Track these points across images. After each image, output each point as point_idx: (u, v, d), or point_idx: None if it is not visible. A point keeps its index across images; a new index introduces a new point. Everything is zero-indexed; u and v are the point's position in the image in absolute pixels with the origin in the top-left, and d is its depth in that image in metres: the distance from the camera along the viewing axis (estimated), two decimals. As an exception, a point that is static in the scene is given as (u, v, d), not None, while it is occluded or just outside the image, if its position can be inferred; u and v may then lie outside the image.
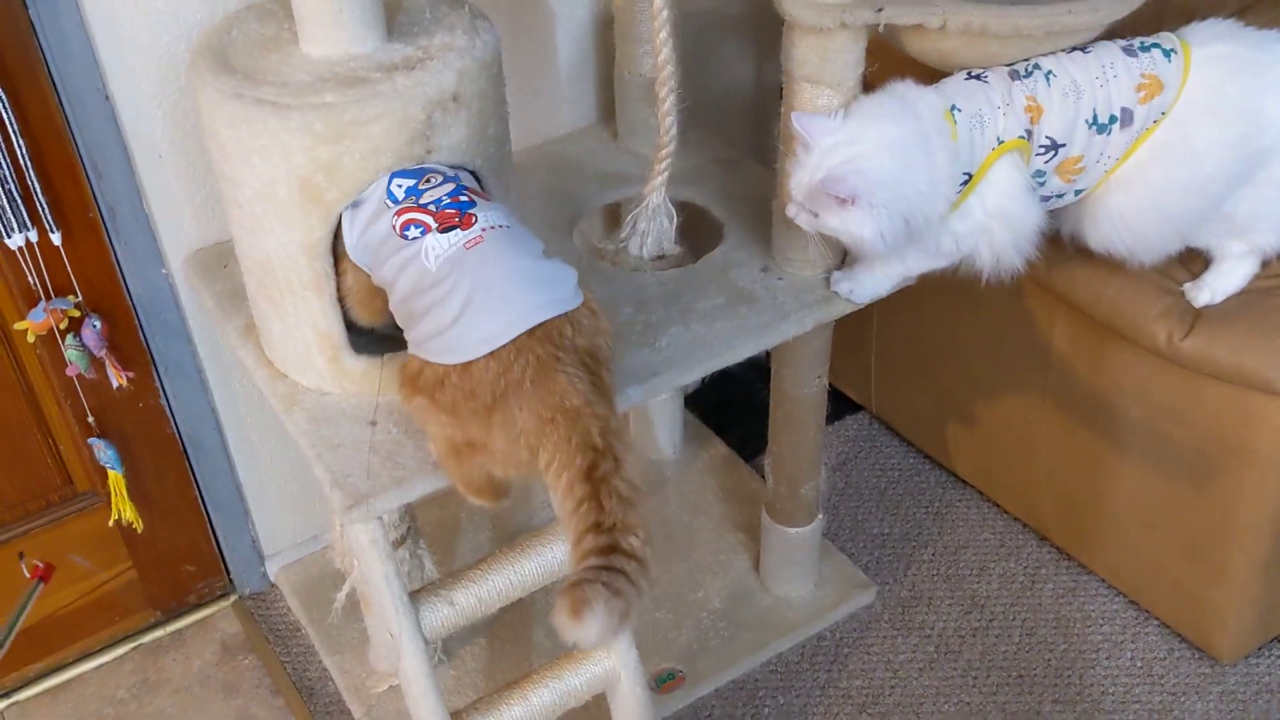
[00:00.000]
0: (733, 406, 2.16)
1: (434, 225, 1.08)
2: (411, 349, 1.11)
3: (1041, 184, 1.38)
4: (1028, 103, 1.34)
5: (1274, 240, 1.46)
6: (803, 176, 1.32)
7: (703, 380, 2.20)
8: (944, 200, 1.34)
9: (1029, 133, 1.34)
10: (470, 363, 1.04)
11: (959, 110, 1.33)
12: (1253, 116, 1.35)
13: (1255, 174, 1.39)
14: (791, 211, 1.35)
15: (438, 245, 1.07)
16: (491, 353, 1.03)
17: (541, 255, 1.10)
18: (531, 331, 1.03)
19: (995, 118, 1.33)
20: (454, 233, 1.07)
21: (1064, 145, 1.35)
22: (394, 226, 1.11)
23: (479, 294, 1.04)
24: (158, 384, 1.66)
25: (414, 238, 1.09)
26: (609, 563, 0.99)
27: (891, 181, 1.29)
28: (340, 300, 1.25)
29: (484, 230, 1.07)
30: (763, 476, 1.81)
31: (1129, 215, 1.41)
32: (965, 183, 1.35)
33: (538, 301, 1.05)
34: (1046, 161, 1.36)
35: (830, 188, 1.29)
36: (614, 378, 1.11)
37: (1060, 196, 1.41)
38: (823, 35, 1.30)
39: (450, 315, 1.05)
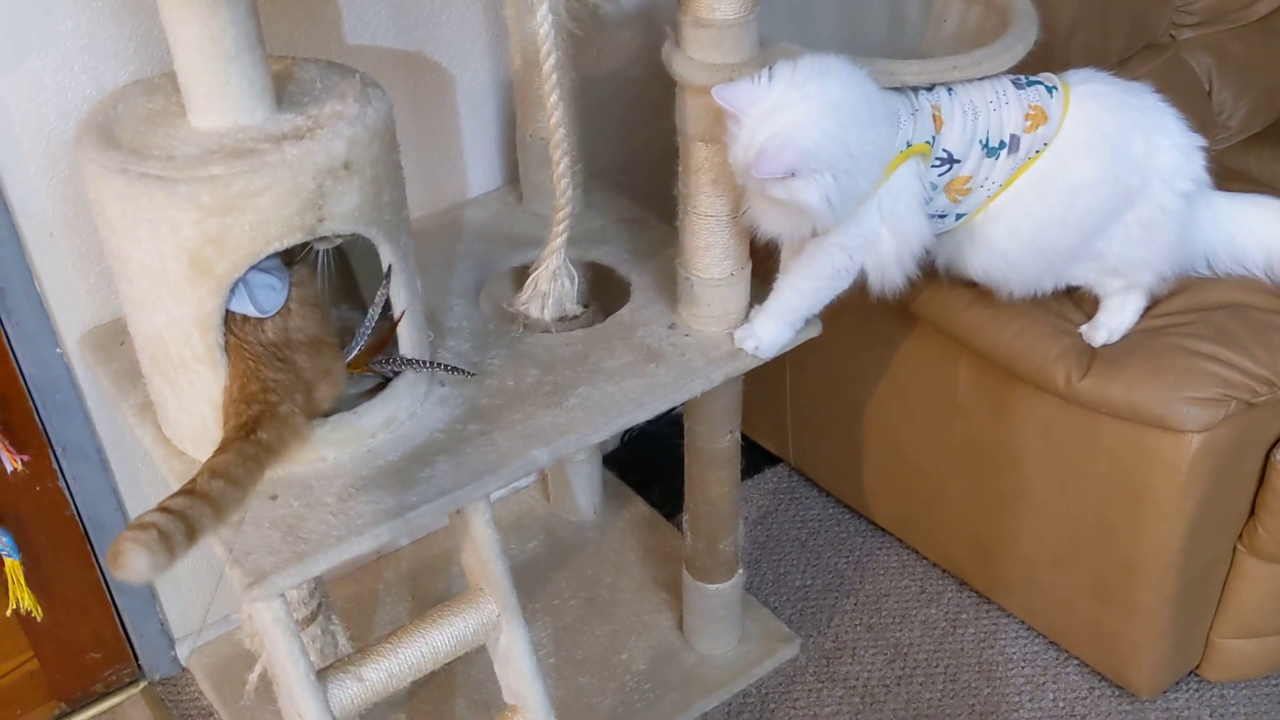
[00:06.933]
0: (652, 463, 2.16)
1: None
2: None
3: (929, 199, 1.39)
4: (933, 111, 1.36)
5: (1149, 278, 1.50)
6: (738, 153, 1.24)
7: (621, 438, 2.20)
8: (878, 166, 1.29)
9: (932, 139, 1.36)
10: None
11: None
12: (1123, 154, 1.40)
13: (1123, 214, 1.43)
14: (740, 181, 1.29)
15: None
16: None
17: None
18: (227, 324, 1.23)
19: (906, 121, 1.34)
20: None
21: (959, 161, 1.37)
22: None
23: None
24: (55, 466, 1.61)
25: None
26: (169, 504, 1.09)
27: (830, 143, 1.22)
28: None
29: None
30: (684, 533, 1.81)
31: (1009, 245, 1.44)
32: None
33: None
34: (940, 175, 1.38)
35: (763, 170, 1.21)
36: (321, 358, 1.28)
37: (943, 218, 1.43)
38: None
39: None
